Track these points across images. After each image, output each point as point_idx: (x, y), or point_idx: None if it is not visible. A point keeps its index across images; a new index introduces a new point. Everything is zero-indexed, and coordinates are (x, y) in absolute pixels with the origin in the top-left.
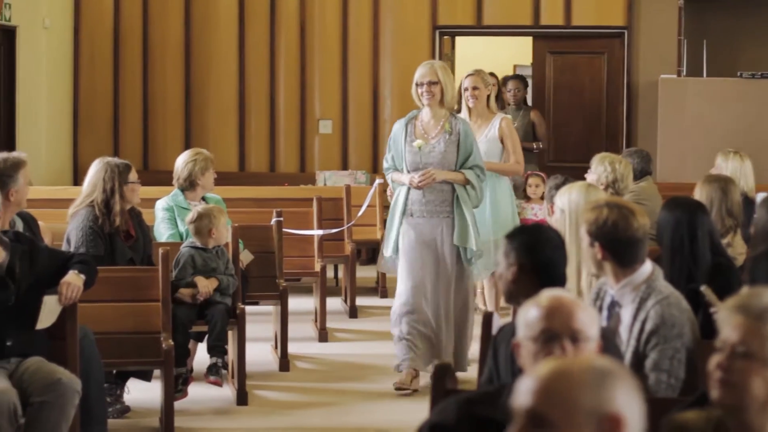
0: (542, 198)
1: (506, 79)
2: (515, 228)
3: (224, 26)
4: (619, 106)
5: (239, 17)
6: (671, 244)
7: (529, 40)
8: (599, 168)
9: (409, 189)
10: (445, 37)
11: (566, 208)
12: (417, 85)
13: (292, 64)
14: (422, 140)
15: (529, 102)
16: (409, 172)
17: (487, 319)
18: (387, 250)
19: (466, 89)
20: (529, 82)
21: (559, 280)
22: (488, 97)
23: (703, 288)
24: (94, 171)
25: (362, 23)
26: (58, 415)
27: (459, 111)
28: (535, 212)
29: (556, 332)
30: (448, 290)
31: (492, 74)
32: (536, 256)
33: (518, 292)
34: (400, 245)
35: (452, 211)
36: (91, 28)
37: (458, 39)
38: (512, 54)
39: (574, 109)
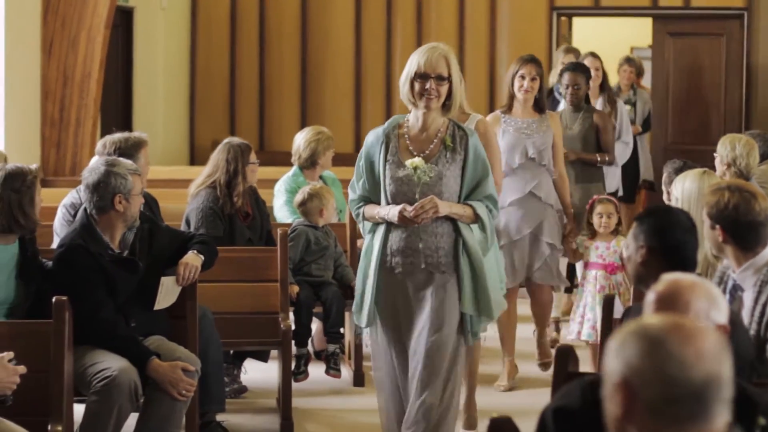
0: (614, 233)
1: (562, 70)
2: (646, 209)
3: (341, 6)
4: (738, 88)
5: None
6: None
7: (645, 21)
8: (720, 149)
9: (388, 230)
10: (563, 17)
11: (680, 196)
12: (418, 76)
13: (408, 44)
14: (417, 158)
15: (647, 85)
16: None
17: (608, 301)
18: (362, 320)
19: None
20: (640, 67)
21: (689, 264)
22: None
23: None
24: (217, 151)
25: (479, 4)
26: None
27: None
28: (601, 253)
29: None
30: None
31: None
32: (666, 239)
33: (647, 275)
34: (378, 313)
35: (455, 263)
36: (207, 9)
37: (575, 20)
38: (629, 36)
39: (693, 92)
